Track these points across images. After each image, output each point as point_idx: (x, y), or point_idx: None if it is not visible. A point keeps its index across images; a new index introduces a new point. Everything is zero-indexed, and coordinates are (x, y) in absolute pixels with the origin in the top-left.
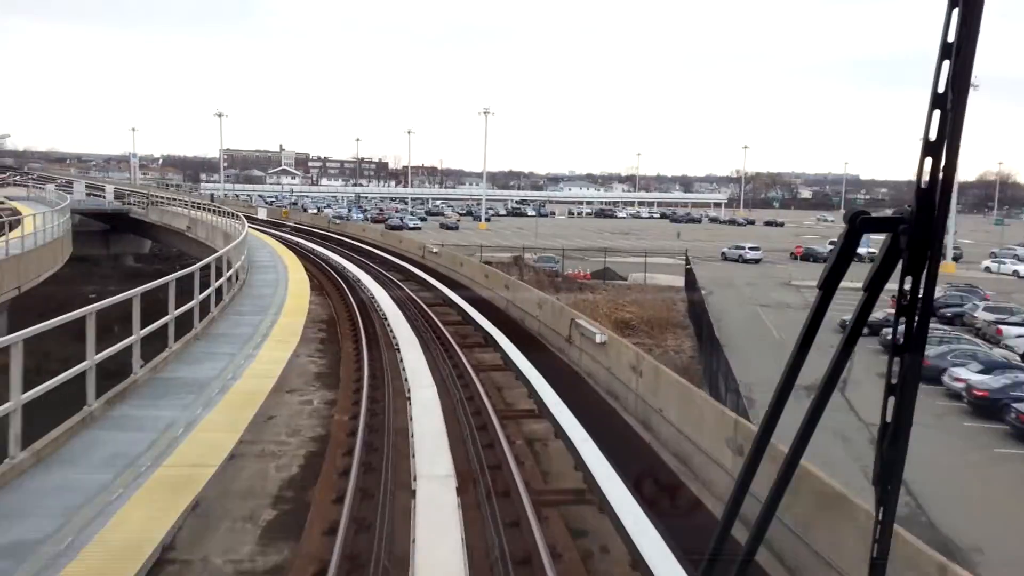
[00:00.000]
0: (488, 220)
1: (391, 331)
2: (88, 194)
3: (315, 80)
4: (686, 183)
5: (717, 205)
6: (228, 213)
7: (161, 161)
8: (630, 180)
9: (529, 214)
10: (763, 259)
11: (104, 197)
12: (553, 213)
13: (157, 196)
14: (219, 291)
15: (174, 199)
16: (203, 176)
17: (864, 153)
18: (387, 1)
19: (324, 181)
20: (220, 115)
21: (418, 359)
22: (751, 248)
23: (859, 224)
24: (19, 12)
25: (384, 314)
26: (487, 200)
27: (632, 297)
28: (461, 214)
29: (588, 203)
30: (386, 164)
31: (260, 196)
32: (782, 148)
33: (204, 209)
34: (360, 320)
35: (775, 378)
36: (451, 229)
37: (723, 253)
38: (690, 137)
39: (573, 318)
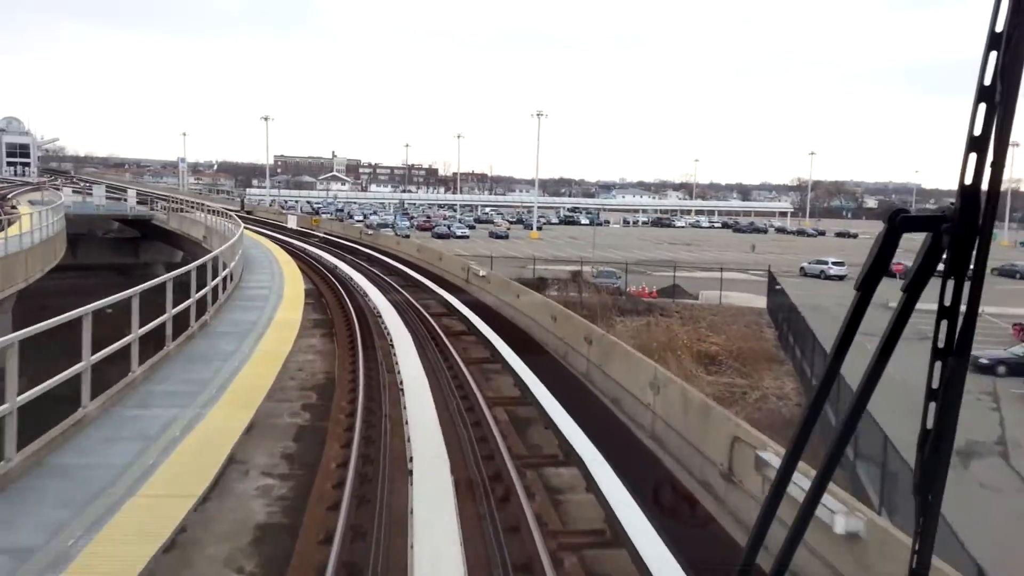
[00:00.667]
0: (540, 229)
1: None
2: (108, 197)
3: (368, 87)
4: (743, 191)
5: (782, 214)
6: (222, 216)
7: (215, 167)
8: (684, 187)
9: (582, 222)
10: (847, 275)
11: (126, 201)
12: (607, 221)
13: (179, 199)
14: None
15: (199, 204)
16: (255, 182)
17: (927, 161)
18: (437, 7)
19: (373, 187)
20: (266, 119)
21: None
22: (835, 263)
23: (899, 223)
24: (81, 18)
25: (404, 386)
26: (538, 208)
27: (708, 320)
28: (511, 222)
29: (642, 211)
30: (435, 170)
31: (308, 202)
32: (841, 155)
33: (223, 216)
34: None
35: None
36: (501, 238)
37: (802, 268)
38: (743, 144)
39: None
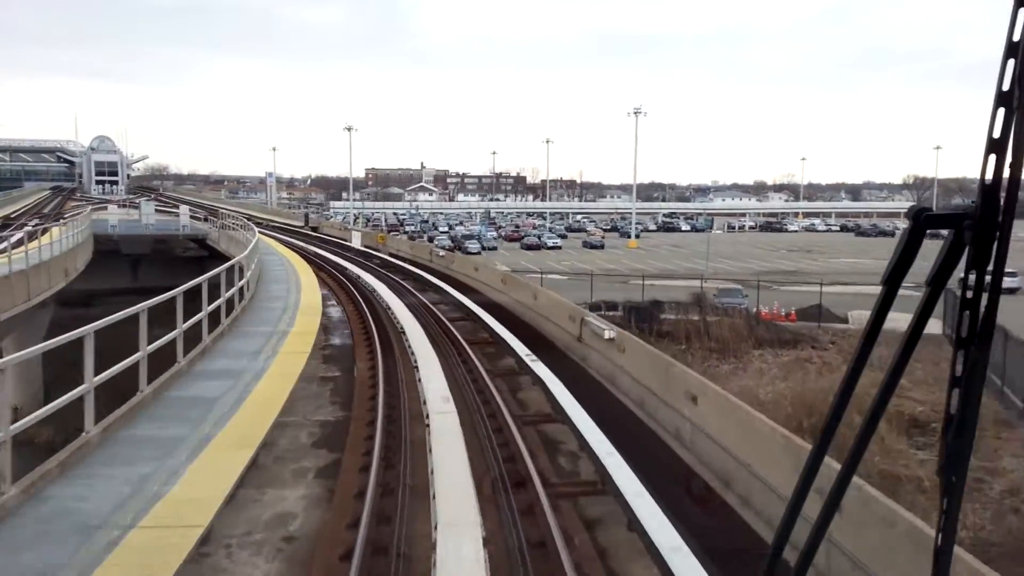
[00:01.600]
0: (637, 237)
1: None
2: (158, 210)
3: (457, 95)
4: (851, 191)
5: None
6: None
7: (308, 181)
8: (787, 188)
9: (683, 228)
10: (1021, 287)
11: (179, 218)
12: (711, 227)
13: (227, 213)
14: None
15: (243, 221)
16: (344, 195)
17: None
18: (526, 14)
19: (461, 197)
20: (350, 129)
21: None
22: (1008, 274)
23: (923, 220)
24: (190, 45)
25: None
26: (629, 214)
27: (877, 355)
28: (605, 230)
29: (747, 215)
30: (523, 178)
31: (394, 213)
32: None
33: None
34: None
35: None
36: (596, 248)
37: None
38: (845, 142)
39: None
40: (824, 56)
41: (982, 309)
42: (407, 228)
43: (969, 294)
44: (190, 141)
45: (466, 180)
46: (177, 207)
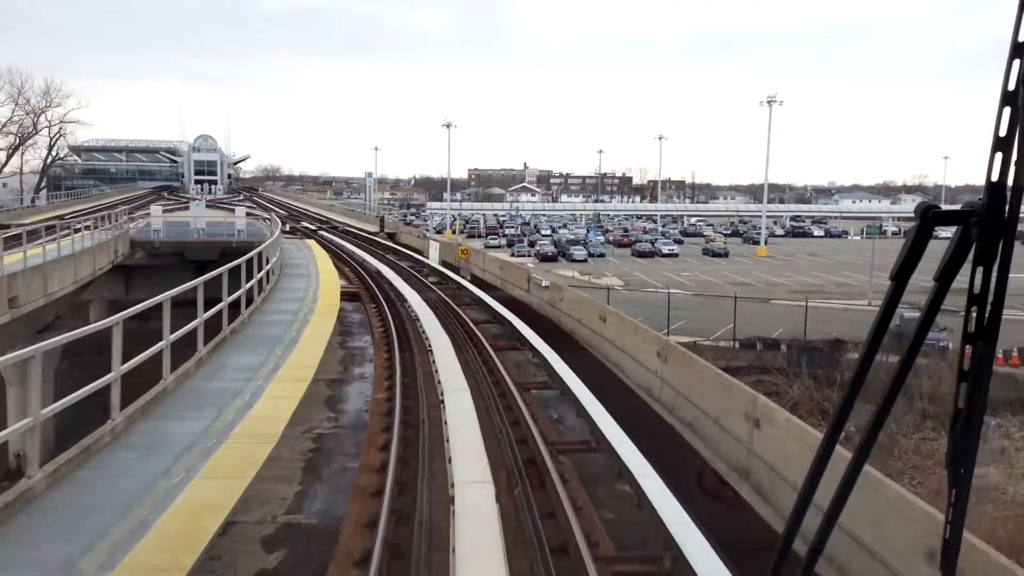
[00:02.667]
0: (766, 243)
1: None
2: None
3: (561, 95)
4: None
5: None
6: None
7: (412, 182)
8: (918, 190)
9: (815, 233)
10: None
11: (234, 223)
12: (846, 232)
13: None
14: None
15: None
16: (445, 195)
17: None
18: (628, 13)
19: (564, 198)
20: (448, 125)
21: None
22: None
23: (931, 217)
24: (300, 51)
25: None
26: (752, 217)
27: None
28: (726, 234)
29: (877, 218)
30: (629, 179)
31: (495, 215)
32: None
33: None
34: None
35: None
36: (719, 256)
37: None
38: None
39: None
40: (960, 47)
41: (988, 305)
42: (507, 231)
43: (976, 290)
44: (302, 143)
45: (570, 180)
46: (260, 209)
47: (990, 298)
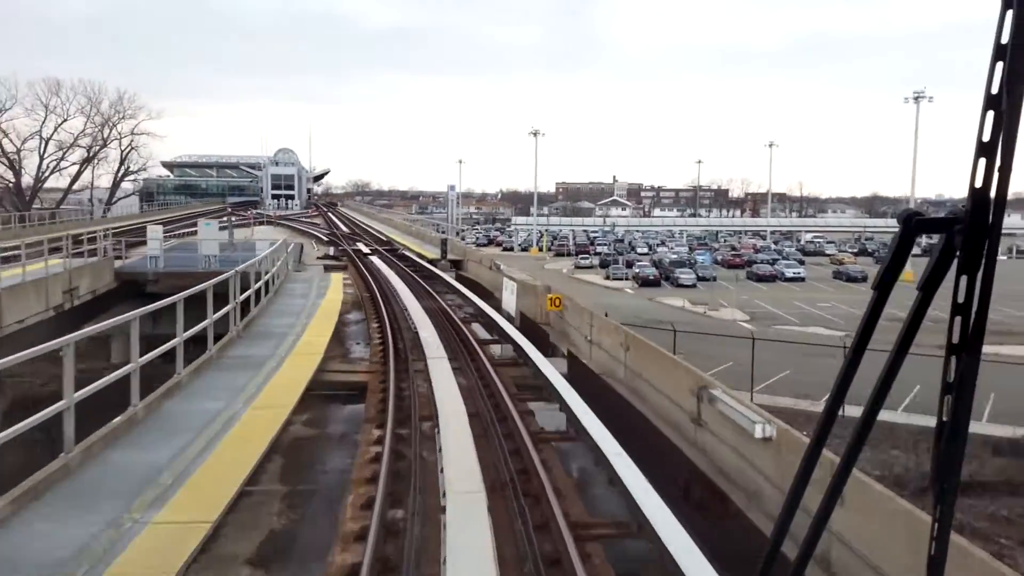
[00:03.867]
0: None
1: None
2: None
3: (649, 108)
4: None
5: None
6: None
7: (499, 196)
8: None
9: None
10: None
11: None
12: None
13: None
14: None
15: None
16: (532, 209)
17: None
18: (722, 22)
19: (657, 212)
20: (536, 133)
21: None
22: None
23: (913, 225)
24: (393, 68)
25: None
26: (878, 232)
27: None
28: (854, 253)
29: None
30: (726, 191)
31: (584, 231)
32: None
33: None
34: None
35: None
36: (855, 281)
37: None
38: None
39: None
40: None
41: (973, 314)
42: (598, 249)
43: (960, 299)
44: (391, 158)
45: (662, 194)
46: (317, 226)
47: (974, 308)
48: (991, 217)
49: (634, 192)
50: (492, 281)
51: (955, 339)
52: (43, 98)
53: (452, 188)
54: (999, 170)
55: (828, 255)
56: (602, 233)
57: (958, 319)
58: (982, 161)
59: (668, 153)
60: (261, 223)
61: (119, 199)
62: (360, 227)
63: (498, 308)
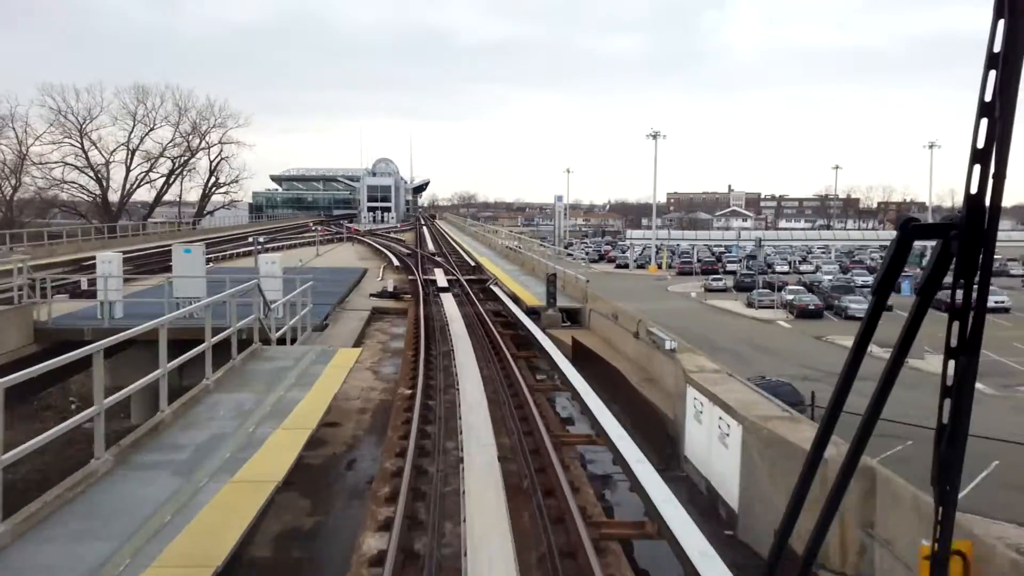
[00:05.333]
0: None
1: None
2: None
3: (765, 115)
4: None
5: None
6: None
7: (607, 207)
8: None
9: None
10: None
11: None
12: None
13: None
14: None
15: None
16: (644, 221)
17: None
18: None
19: (783, 223)
20: (655, 135)
21: None
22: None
23: (910, 230)
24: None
25: None
26: None
27: None
28: None
29: None
30: (856, 200)
31: (706, 245)
32: None
33: None
34: None
35: None
36: None
37: None
38: None
39: None
40: None
41: (970, 319)
42: (728, 266)
43: (957, 304)
44: (497, 170)
45: (784, 203)
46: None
47: (972, 312)
48: (986, 223)
49: (752, 202)
50: (640, 358)
51: (953, 343)
52: (130, 106)
53: (560, 199)
54: (993, 176)
55: (1016, 275)
56: (733, 249)
57: (956, 323)
58: (977, 168)
59: (787, 161)
60: (341, 239)
61: (208, 212)
62: (450, 245)
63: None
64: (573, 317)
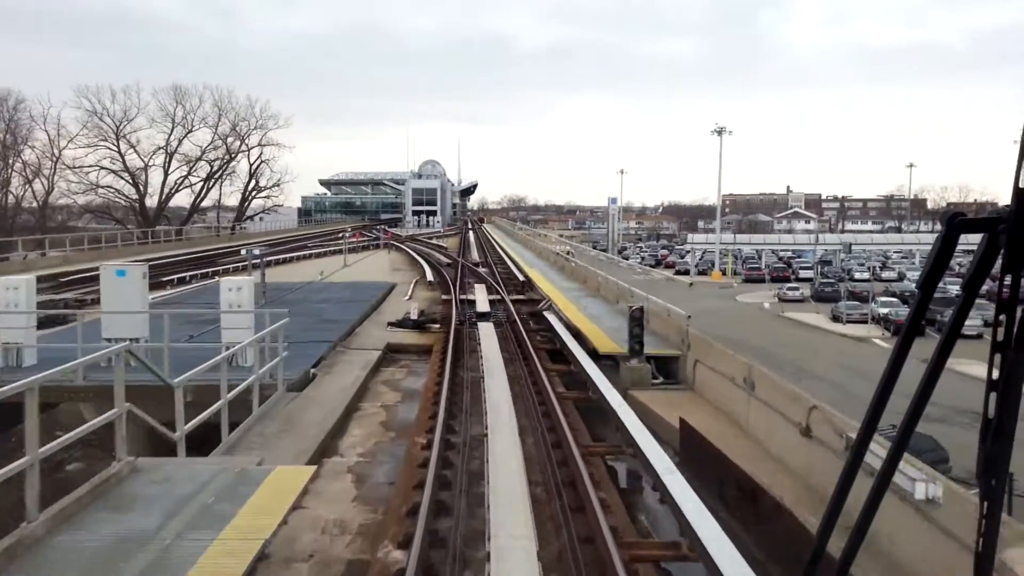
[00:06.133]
0: None
1: None
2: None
3: (826, 113)
4: None
5: None
6: None
7: (660, 209)
8: None
9: None
10: None
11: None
12: None
13: None
14: None
15: None
16: (700, 223)
17: None
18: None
19: (850, 226)
20: (720, 131)
21: None
22: None
23: (957, 225)
24: (550, 86)
25: None
26: None
27: None
28: None
29: None
30: (923, 201)
31: (773, 251)
32: None
33: None
34: None
35: None
36: None
37: None
38: None
39: None
40: None
41: (1018, 313)
42: (800, 272)
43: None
44: (548, 174)
45: (847, 205)
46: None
47: (1020, 306)
48: None
49: (812, 203)
50: (814, 473)
51: (1000, 337)
52: (168, 108)
53: (613, 201)
54: None
55: None
56: (809, 253)
57: (1002, 318)
58: None
59: (849, 161)
60: (377, 246)
61: (249, 217)
62: (497, 252)
63: None
64: (666, 369)
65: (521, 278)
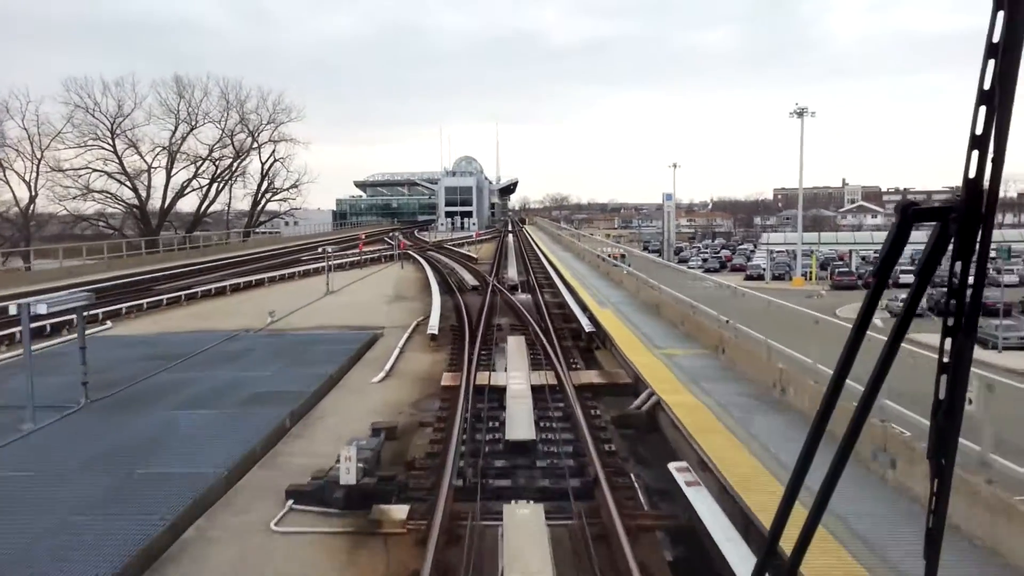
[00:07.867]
0: None
1: None
2: None
3: (878, 102)
4: None
5: None
6: None
7: (710, 205)
8: None
9: None
10: None
11: None
12: None
13: None
14: None
15: None
16: (756, 220)
17: None
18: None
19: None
20: (802, 112)
21: None
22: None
23: (910, 214)
24: (587, 82)
25: None
26: None
27: None
28: None
29: None
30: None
31: (851, 251)
32: None
33: None
34: None
35: None
36: None
37: None
38: None
39: None
40: None
41: (967, 299)
42: (901, 278)
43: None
44: (590, 172)
45: (909, 197)
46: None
47: (968, 292)
48: (984, 206)
49: (871, 196)
50: None
51: (950, 322)
52: (170, 102)
53: (668, 197)
54: (992, 161)
55: None
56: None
57: (952, 303)
58: (975, 153)
59: (907, 151)
60: (390, 258)
61: (263, 222)
62: (542, 265)
63: None
64: None
65: (585, 322)
